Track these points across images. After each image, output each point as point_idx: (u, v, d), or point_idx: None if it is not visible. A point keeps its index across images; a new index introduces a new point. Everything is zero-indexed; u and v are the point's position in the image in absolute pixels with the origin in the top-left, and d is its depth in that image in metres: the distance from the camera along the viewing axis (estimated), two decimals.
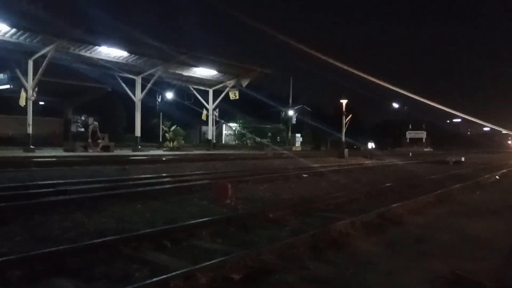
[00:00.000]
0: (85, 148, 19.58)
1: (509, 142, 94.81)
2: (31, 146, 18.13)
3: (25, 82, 18.58)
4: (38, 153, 17.11)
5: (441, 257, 4.07)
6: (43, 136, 23.98)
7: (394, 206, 6.44)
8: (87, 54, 20.13)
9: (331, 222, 5.24)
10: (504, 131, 61.93)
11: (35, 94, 18.74)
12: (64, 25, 16.91)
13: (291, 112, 46.26)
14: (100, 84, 27.59)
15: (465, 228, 5.50)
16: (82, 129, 22.14)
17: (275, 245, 4.04)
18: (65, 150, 19.35)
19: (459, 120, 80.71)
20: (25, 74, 18.65)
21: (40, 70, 18.37)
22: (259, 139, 43.99)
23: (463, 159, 22.20)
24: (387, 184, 10.05)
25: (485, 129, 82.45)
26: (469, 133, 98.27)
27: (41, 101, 26.50)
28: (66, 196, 6.76)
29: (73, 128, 24.21)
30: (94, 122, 21.10)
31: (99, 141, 20.28)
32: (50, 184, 8.13)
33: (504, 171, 15.27)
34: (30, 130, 18.67)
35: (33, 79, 18.54)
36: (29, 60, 18.61)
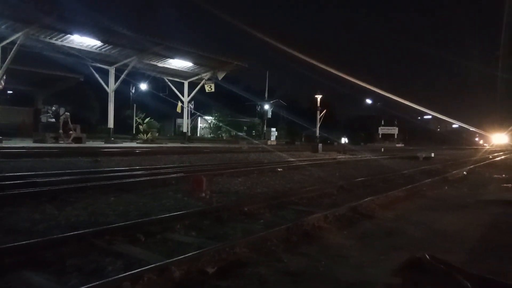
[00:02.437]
0: (56, 139, 19.12)
1: (476, 139, 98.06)
2: None
3: None
4: (6, 143, 16.60)
5: (410, 250, 4.19)
6: (12, 126, 23.27)
7: (366, 200, 6.57)
8: (59, 42, 19.60)
9: (305, 215, 5.31)
10: (471, 129, 63.97)
11: (3, 83, 18.15)
12: (34, 11, 16.38)
13: (266, 106, 46.44)
14: (72, 74, 26.96)
15: (434, 222, 5.67)
16: (53, 120, 21.54)
17: (249, 238, 4.07)
18: (35, 141, 18.85)
19: (429, 117, 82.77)
20: None
21: (9, 57, 17.78)
22: (234, 133, 43.96)
23: (432, 155, 22.81)
24: (360, 179, 10.23)
25: (454, 126, 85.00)
26: (439, 129, 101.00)
27: (10, 90, 25.68)
28: (36, 188, 6.59)
29: (44, 119, 23.54)
30: (66, 112, 20.59)
31: (71, 132, 19.85)
32: (19, 176, 7.90)
33: (471, 167, 15.78)
34: None
35: (1, 67, 17.92)
36: None
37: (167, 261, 3.25)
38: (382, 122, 76.47)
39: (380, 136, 73.33)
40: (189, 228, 4.74)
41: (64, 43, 19.81)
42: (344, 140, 59.76)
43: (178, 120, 43.88)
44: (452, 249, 4.27)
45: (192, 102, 29.99)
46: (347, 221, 5.42)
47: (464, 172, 13.49)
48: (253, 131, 48.91)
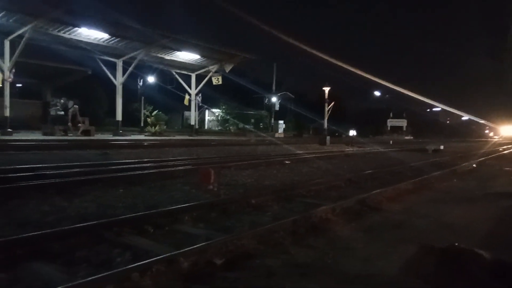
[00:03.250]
0: (65, 132, 19.27)
1: (486, 131, 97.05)
2: (9, 129, 17.74)
3: (1, 63, 18.07)
4: (16, 136, 16.76)
5: (418, 243, 4.17)
6: (21, 119, 23.45)
7: (373, 192, 6.55)
8: (67, 35, 19.66)
9: (312, 208, 5.30)
10: (481, 121, 63.34)
11: (12, 76, 18.27)
12: (42, 4, 16.43)
13: (274, 99, 46.30)
14: (80, 67, 27.01)
15: (442, 215, 5.64)
16: (62, 113, 21.70)
17: (257, 230, 4.08)
18: (44, 134, 19.01)
19: (439, 109, 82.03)
20: (1, 55, 18.13)
21: (17, 51, 17.89)
22: (242, 125, 43.94)
23: (442, 147, 22.65)
24: (368, 171, 10.19)
25: (464, 118, 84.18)
26: (448, 122, 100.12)
27: (19, 83, 25.85)
28: (46, 180, 6.66)
29: (52, 112, 23.68)
30: (74, 105, 20.72)
31: (80, 125, 19.98)
32: (28, 168, 7.98)
33: (480, 159, 15.64)
34: (7, 112, 18.24)
35: (10, 60, 18.04)
36: (5, 40, 18.10)
37: (176, 252, 3.27)
38: (391, 114, 75.95)
39: (388, 129, 72.91)
40: (197, 220, 4.76)
41: (72, 36, 19.87)
42: (352, 132, 59.44)
43: (186, 113, 43.91)
44: (460, 242, 4.23)
45: (200, 95, 29.98)
46: (355, 214, 5.41)
47: (474, 165, 13.37)
48: (261, 124, 48.82)
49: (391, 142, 34.67)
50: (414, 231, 4.69)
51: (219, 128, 47.80)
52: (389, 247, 4.03)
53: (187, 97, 28.92)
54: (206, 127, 49.52)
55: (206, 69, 28.13)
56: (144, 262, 3.02)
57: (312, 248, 3.85)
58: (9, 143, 13.54)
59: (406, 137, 63.36)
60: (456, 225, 5.06)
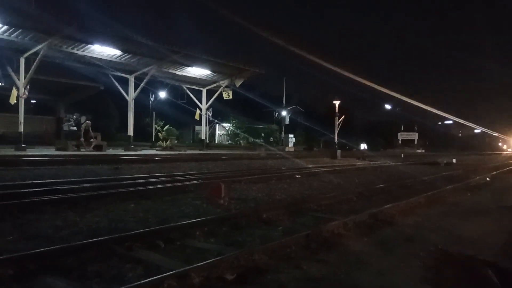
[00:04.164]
0: (78, 147, 19.46)
1: (500, 144, 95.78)
2: (23, 145, 17.98)
3: (16, 80, 18.41)
4: (29, 151, 16.98)
5: (431, 257, 4.11)
6: (35, 135, 23.83)
7: (386, 207, 6.49)
8: (80, 52, 20.00)
9: (324, 222, 5.27)
10: (494, 134, 62.59)
11: (27, 92, 18.58)
12: (56, 22, 16.78)
13: (284, 113, 46.37)
14: (92, 83, 27.45)
15: (455, 228, 5.56)
16: (75, 128, 21.96)
17: (268, 245, 4.06)
18: (57, 149, 19.23)
19: (450, 122, 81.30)
20: (17, 71, 18.48)
21: (32, 67, 18.22)
22: (252, 139, 43.98)
23: (454, 160, 22.40)
24: (379, 185, 10.11)
25: (476, 131, 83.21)
26: (460, 134, 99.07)
27: (33, 99, 26.30)
28: (59, 195, 6.72)
29: (66, 127, 23.98)
30: (87, 121, 20.95)
31: (92, 140, 20.16)
32: (42, 183, 8.08)
33: (494, 173, 15.43)
34: (21, 128, 18.50)
35: (25, 77, 18.39)
36: (21, 57, 18.45)
37: (187, 267, 3.27)
38: (402, 127, 75.41)
39: (399, 142, 72.31)
40: (208, 235, 4.75)
41: (85, 53, 20.21)
42: (363, 146, 59.09)
43: (197, 127, 44.19)
44: (475, 255, 4.17)
45: (210, 110, 30.16)
46: (367, 228, 5.36)
47: (487, 179, 13.19)
48: (271, 138, 48.79)
49: (402, 155, 34.40)
50: (427, 245, 4.63)
51: (229, 142, 47.89)
52: (402, 261, 3.98)
53: (198, 112, 29.10)
54: (216, 141, 49.68)
55: (217, 84, 28.35)
56: (156, 277, 3.02)
57: (325, 263, 3.82)
58: (23, 158, 13.73)
59: (418, 151, 62.76)
60: (470, 238, 4.99)
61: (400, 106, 62.37)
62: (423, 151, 62.66)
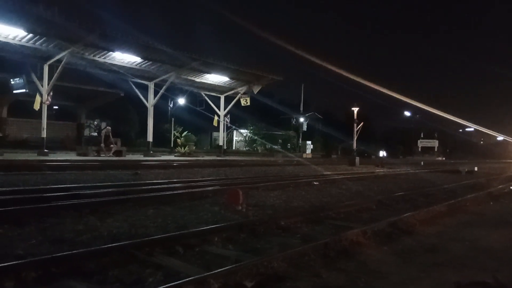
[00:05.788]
0: (98, 153, 19.77)
1: None
2: (45, 150, 18.38)
3: (40, 87, 18.89)
4: (51, 156, 17.32)
5: (453, 268, 4.04)
6: (57, 140, 24.33)
7: (406, 215, 6.40)
8: (101, 59, 20.39)
9: (343, 230, 5.23)
10: None
11: (50, 98, 19.03)
12: (79, 30, 17.15)
13: (302, 119, 46.28)
14: (113, 89, 27.96)
15: (478, 239, 5.44)
16: (95, 134, 22.37)
17: (287, 253, 4.05)
18: (78, 154, 19.58)
19: (472, 129, 79.75)
20: (41, 78, 18.97)
21: (55, 74, 18.68)
22: (269, 146, 43.95)
23: (476, 168, 21.95)
24: (399, 193, 9.98)
25: (499, 139, 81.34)
26: (482, 142, 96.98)
27: (56, 105, 26.91)
28: (80, 200, 6.84)
29: (86, 132, 24.49)
30: (107, 126, 21.32)
31: (112, 145, 20.46)
32: (63, 188, 8.24)
33: None
34: (44, 134, 18.94)
35: (48, 83, 18.84)
36: (45, 64, 18.94)
37: (206, 274, 3.28)
38: (422, 134, 74.32)
39: (419, 149, 71.23)
40: (227, 241, 4.76)
41: (106, 60, 20.59)
42: (382, 153, 58.39)
43: (214, 134, 44.37)
44: (499, 268, 4.08)
45: (228, 116, 30.34)
46: (387, 237, 5.30)
47: (511, 187, 12.88)
48: (288, 144, 48.66)
49: (422, 163, 33.87)
50: (448, 256, 4.54)
51: (247, 148, 47.94)
52: (422, 271, 3.92)
53: (216, 118, 29.29)
54: (234, 147, 49.80)
55: (235, 90, 28.50)
56: (175, 283, 3.05)
57: (344, 272, 3.79)
58: (45, 163, 14.01)
59: (438, 158, 61.69)
60: (493, 249, 4.87)
61: (420, 113, 61.59)
62: (444, 158, 61.55)
